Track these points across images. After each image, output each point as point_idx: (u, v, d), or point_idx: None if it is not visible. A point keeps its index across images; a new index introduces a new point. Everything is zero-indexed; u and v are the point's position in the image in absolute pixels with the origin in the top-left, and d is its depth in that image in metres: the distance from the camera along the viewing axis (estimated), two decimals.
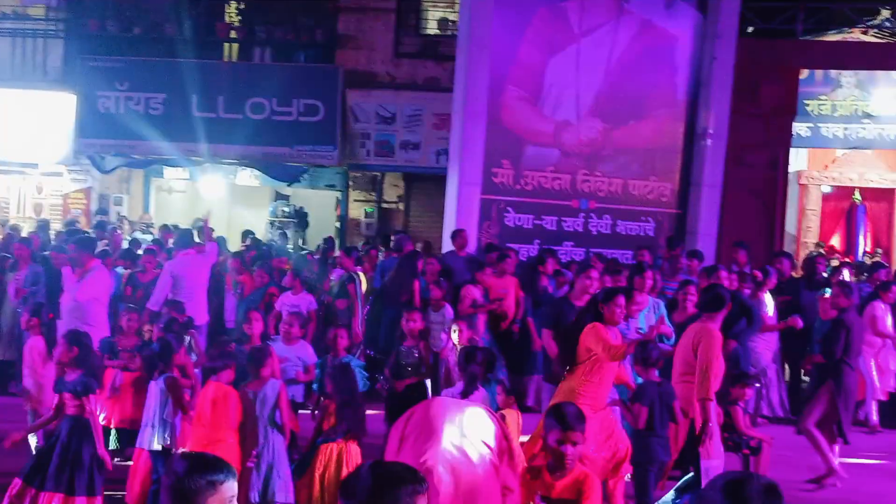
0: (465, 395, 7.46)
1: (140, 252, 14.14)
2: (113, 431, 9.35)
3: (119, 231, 16.84)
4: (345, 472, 7.18)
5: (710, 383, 7.60)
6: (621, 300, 7.86)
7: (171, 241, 15.09)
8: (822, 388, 9.81)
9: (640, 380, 8.17)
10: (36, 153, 18.58)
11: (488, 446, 5.17)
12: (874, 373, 12.16)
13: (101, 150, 18.35)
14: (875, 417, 12.34)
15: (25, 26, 18.65)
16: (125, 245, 15.44)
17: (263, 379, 7.66)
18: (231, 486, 3.28)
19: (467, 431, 5.20)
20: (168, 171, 19.74)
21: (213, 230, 13.58)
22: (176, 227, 16.51)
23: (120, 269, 13.31)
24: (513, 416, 7.88)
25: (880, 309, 12.04)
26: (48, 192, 20.05)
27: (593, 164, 15.39)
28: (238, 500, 6.97)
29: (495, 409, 7.76)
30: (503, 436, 5.65)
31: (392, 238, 16.07)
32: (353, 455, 7.45)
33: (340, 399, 7.60)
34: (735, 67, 15.48)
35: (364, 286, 13.05)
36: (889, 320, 12.14)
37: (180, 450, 7.49)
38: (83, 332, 7.84)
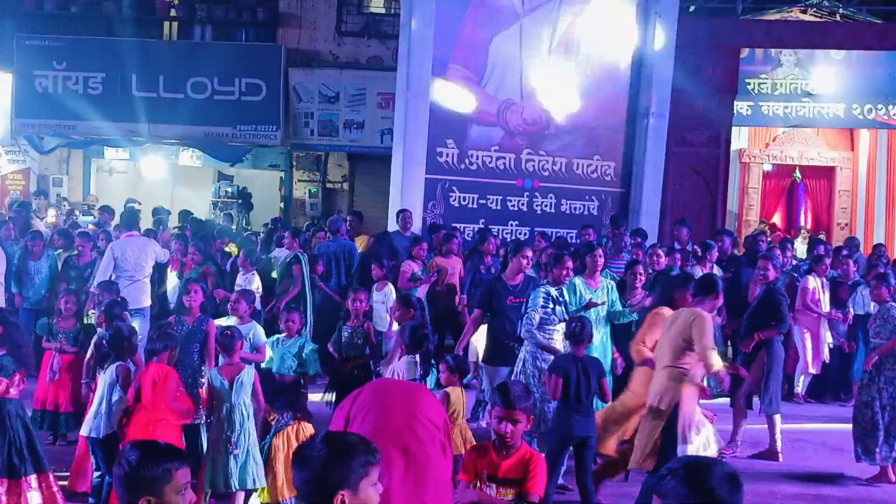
0: (425, 375, 7.45)
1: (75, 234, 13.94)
2: (61, 416, 9.32)
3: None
4: None
5: (712, 363, 7.48)
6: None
7: (112, 223, 14.93)
8: (757, 358, 9.90)
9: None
10: None
11: (436, 425, 5.17)
12: (808, 346, 12.34)
13: (40, 131, 18.07)
14: (802, 390, 12.61)
15: None
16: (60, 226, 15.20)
17: (238, 365, 7.63)
18: (185, 473, 3.25)
19: (415, 411, 5.20)
20: (108, 152, 19.46)
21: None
22: (107, 207, 16.24)
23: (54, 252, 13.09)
24: (457, 394, 7.88)
25: (811, 282, 12.23)
26: None
27: (537, 144, 15.42)
28: (217, 487, 6.90)
29: (439, 387, 7.79)
30: (445, 414, 5.65)
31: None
32: (309, 432, 7.43)
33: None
34: (677, 46, 15.56)
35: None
36: (824, 296, 12.33)
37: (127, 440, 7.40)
38: (9, 311, 7.69)
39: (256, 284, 12.01)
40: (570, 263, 8.93)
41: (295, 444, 7.34)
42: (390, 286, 11.35)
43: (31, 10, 18.26)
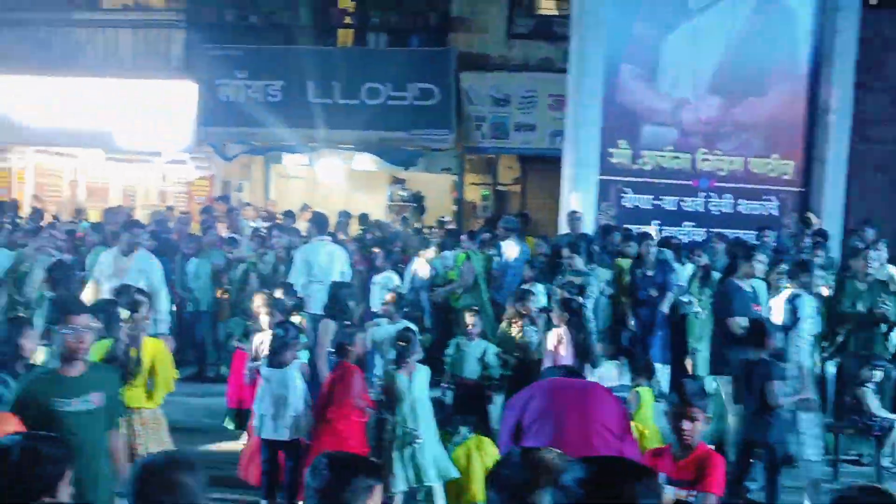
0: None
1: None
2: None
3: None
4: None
5: None
6: None
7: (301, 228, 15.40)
8: None
9: None
10: (160, 142, 18.99)
11: (611, 430, 5.09)
12: None
13: (223, 138, 18.71)
14: None
15: (148, 17, 19.09)
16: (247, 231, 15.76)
17: (412, 364, 7.78)
18: (380, 488, 3.27)
19: (589, 418, 5.12)
20: (287, 158, 20.02)
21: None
22: (289, 212, 16.75)
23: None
24: (647, 394, 7.78)
25: None
26: (173, 179, 20.58)
27: (713, 143, 15.11)
28: (409, 482, 6.88)
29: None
30: (624, 415, 5.55)
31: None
32: (490, 448, 7.51)
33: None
34: (859, 40, 14.99)
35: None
36: None
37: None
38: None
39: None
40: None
41: (478, 459, 7.40)
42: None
43: (214, 21, 18.91)
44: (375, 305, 11.99)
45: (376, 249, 13.65)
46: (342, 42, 19.29)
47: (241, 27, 18.94)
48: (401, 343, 7.85)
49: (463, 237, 13.76)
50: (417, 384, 7.66)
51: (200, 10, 18.82)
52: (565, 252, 11.48)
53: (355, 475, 3.19)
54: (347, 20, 19.26)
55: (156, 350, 7.48)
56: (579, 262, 11.23)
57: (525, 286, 10.61)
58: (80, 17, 19.00)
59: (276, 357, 7.82)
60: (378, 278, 12.61)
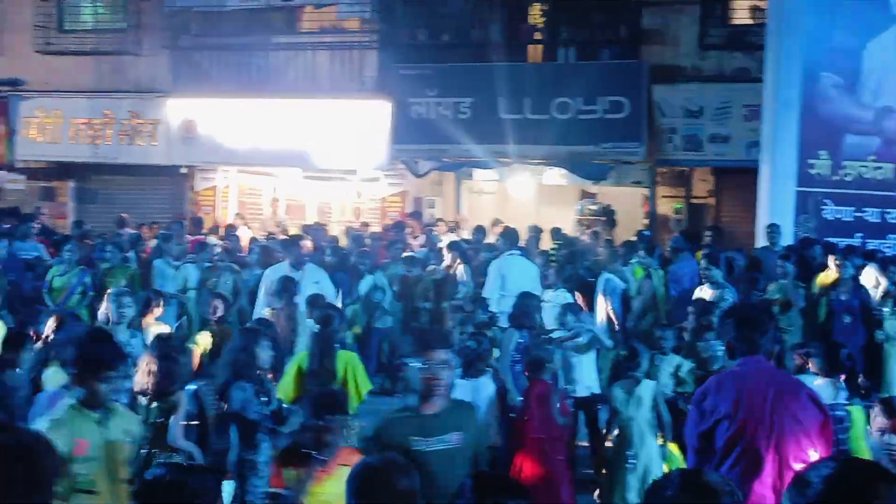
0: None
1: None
2: None
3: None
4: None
5: None
6: None
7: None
8: None
9: None
10: (355, 160, 19.49)
11: (806, 433, 4.90)
12: None
13: (415, 155, 19.06)
14: None
15: (343, 39, 19.62)
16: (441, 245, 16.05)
17: (636, 378, 7.76)
18: None
19: (782, 420, 4.93)
20: (477, 173, 20.21)
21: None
22: (480, 228, 16.94)
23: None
24: (858, 412, 7.46)
25: None
26: (366, 196, 21.08)
27: None
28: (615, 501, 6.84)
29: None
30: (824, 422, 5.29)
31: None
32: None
33: None
34: None
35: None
36: None
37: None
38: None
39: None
40: None
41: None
42: None
43: (406, 41, 19.28)
44: (548, 321, 11.94)
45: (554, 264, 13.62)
46: (532, 57, 19.35)
47: (433, 46, 19.24)
48: (627, 358, 7.89)
49: (641, 253, 13.56)
50: (639, 399, 7.62)
51: (394, 31, 19.22)
52: (702, 263, 11.26)
53: (500, 497, 3.22)
54: (537, 36, 19.31)
55: (348, 361, 7.68)
56: (717, 275, 10.99)
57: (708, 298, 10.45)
58: (279, 40, 19.71)
59: (469, 368, 7.91)
60: (549, 295, 12.48)
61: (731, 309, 6.52)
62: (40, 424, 5.13)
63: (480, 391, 7.79)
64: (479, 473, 3.40)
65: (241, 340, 7.07)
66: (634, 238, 16.27)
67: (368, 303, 13.89)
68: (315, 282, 11.30)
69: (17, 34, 21.26)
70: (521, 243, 14.17)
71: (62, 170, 21.73)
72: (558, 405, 7.72)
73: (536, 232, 16.17)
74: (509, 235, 12.44)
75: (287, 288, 10.28)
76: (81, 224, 18.06)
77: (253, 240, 17.20)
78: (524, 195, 20.76)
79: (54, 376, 7.46)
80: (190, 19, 20.15)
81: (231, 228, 18.16)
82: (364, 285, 13.86)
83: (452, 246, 14.71)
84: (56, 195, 22.03)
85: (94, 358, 5.47)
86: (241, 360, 6.89)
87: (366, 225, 19.45)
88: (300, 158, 19.51)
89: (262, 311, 11.02)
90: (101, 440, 5.29)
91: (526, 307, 9.98)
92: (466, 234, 17.57)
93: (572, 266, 14.36)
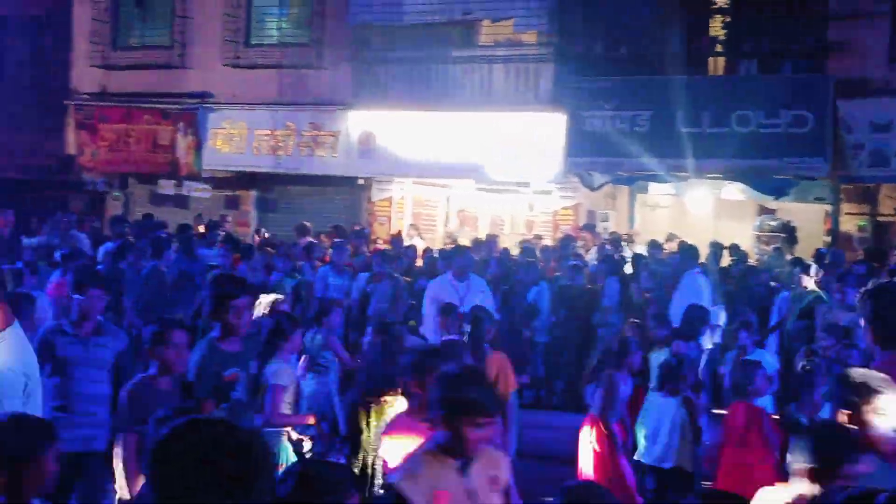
0: None
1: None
2: None
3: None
4: None
5: None
6: None
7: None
8: None
9: None
10: (529, 172, 19.53)
11: None
12: None
13: (589, 168, 18.96)
14: None
15: (519, 52, 19.69)
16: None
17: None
18: None
19: None
20: (653, 187, 19.96)
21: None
22: (654, 242, 16.78)
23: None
24: None
25: None
26: (539, 209, 21.07)
27: None
28: None
29: None
30: None
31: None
32: None
33: None
34: None
35: None
36: None
37: None
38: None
39: None
40: None
41: None
42: None
43: (582, 54, 19.22)
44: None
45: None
46: (712, 70, 19.03)
47: (610, 59, 19.13)
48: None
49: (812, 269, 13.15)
50: None
51: (570, 44, 19.20)
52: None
53: None
54: (718, 48, 18.97)
55: (499, 364, 7.89)
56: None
57: None
58: (457, 54, 19.93)
59: (666, 384, 7.88)
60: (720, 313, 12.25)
61: None
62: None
63: (669, 410, 7.70)
64: (709, 493, 3.33)
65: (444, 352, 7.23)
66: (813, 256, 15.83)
67: (527, 314, 13.95)
68: (480, 292, 11.44)
69: (206, 48, 22.16)
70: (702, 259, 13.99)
71: (246, 179, 22.52)
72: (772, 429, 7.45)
73: (717, 248, 15.88)
74: (688, 251, 12.23)
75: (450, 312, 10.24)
76: (262, 232, 18.65)
77: (426, 250, 17.45)
78: (700, 210, 20.41)
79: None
80: (371, 34, 20.59)
81: (398, 238, 18.49)
82: (529, 296, 13.97)
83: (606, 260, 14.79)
84: (239, 204, 22.84)
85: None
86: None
87: (538, 238, 19.45)
88: (475, 171, 19.68)
89: (428, 320, 11.30)
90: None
91: (692, 319, 9.88)
92: (640, 249, 17.37)
93: (748, 283, 14.10)
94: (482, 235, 19.04)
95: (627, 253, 16.71)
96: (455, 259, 12.18)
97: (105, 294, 7.95)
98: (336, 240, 16.68)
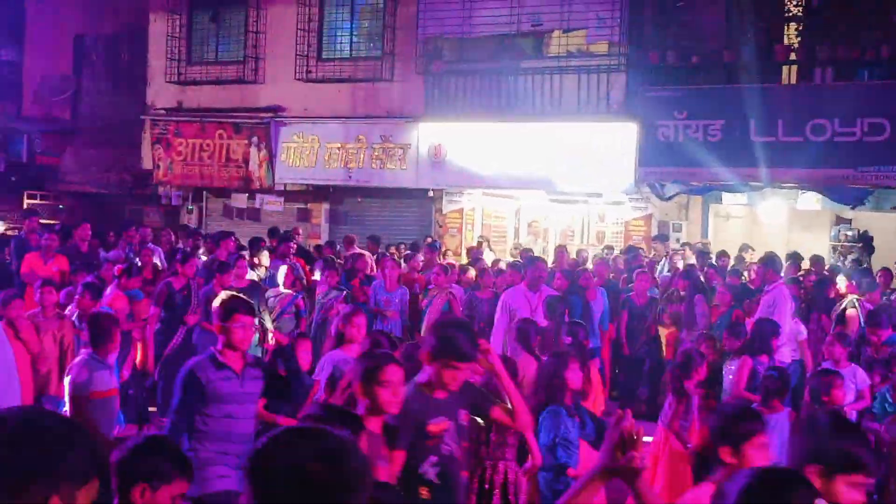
0: None
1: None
2: None
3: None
4: None
5: None
6: None
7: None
8: None
9: None
10: (600, 183, 19.42)
11: None
12: None
13: (661, 178, 18.80)
14: None
15: (590, 63, 19.61)
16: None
17: None
18: None
19: None
20: (726, 197, 19.72)
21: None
22: (723, 252, 16.58)
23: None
24: None
25: None
26: (610, 220, 20.97)
27: None
28: None
29: None
30: None
31: None
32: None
33: None
34: None
35: None
36: None
37: None
38: None
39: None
40: None
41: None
42: None
43: (654, 63, 19.07)
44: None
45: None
46: (786, 78, 18.77)
47: (682, 68, 18.95)
48: None
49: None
50: None
51: (641, 54, 19.07)
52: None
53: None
54: (792, 56, 18.70)
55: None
56: None
57: None
58: (527, 65, 19.92)
59: (767, 401, 7.91)
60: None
61: None
62: None
63: (776, 426, 7.61)
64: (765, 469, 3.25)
65: (552, 364, 7.27)
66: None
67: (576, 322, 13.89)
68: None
69: (279, 63, 22.43)
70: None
71: (317, 192, 22.74)
72: None
73: (795, 259, 15.66)
74: (770, 262, 12.05)
75: (555, 308, 10.55)
76: (333, 245, 18.76)
77: (496, 262, 17.43)
78: (774, 220, 20.16)
79: None
80: (442, 46, 20.68)
81: (477, 252, 18.48)
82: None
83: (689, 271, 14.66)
84: (311, 216, 23.05)
85: None
86: (553, 384, 7.09)
87: (609, 248, 19.35)
88: (545, 182, 19.64)
89: (498, 328, 11.40)
90: None
91: (763, 332, 9.80)
92: (712, 259, 17.19)
93: (825, 295, 13.90)
94: (552, 247, 18.98)
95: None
96: (528, 270, 12.20)
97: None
98: (407, 252, 16.71)
